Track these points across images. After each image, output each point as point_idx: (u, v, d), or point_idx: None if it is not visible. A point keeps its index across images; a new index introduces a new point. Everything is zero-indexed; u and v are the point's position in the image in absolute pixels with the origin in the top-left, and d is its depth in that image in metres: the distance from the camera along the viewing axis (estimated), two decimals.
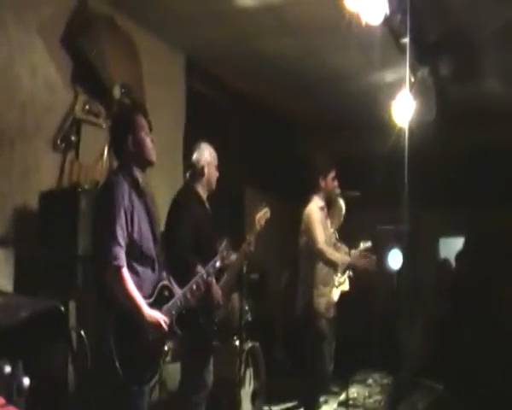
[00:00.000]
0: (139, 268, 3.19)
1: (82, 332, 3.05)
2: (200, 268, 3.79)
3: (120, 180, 3.22)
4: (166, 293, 3.32)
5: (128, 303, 3.05)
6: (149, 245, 3.27)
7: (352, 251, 5.35)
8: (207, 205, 4.34)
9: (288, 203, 5.20)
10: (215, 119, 6.72)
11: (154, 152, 3.34)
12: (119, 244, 3.07)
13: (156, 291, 3.25)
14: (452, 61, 5.93)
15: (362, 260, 5.22)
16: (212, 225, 4.29)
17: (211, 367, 4.14)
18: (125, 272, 3.06)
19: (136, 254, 3.19)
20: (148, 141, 3.31)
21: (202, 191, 4.31)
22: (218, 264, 3.87)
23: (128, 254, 3.12)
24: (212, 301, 3.99)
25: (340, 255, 5.16)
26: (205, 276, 3.71)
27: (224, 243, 3.99)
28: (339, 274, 5.29)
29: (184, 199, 4.20)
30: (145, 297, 3.15)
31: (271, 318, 6.85)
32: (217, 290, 4.03)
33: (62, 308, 3.06)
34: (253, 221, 4.38)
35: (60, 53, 4.90)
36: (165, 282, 3.34)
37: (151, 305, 3.16)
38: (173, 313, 3.29)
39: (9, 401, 2.93)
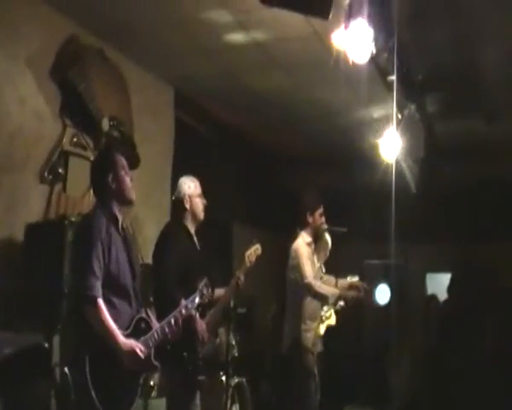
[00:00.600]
0: (116, 301, 3.22)
1: (65, 369, 3.00)
2: (183, 302, 3.73)
3: (98, 214, 3.28)
4: (143, 325, 3.33)
5: (103, 333, 3.06)
6: (126, 279, 3.31)
7: (340, 281, 5.36)
8: (196, 239, 4.30)
9: (275, 237, 5.21)
10: (203, 152, 6.72)
11: (133, 191, 3.39)
12: (95, 275, 3.10)
13: (133, 324, 3.26)
14: (438, 99, 6.00)
15: (351, 290, 5.23)
16: (200, 259, 4.25)
17: (197, 402, 4.06)
18: (101, 302, 3.09)
19: (113, 287, 3.22)
20: (127, 180, 3.36)
21: (190, 225, 4.27)
22: (196, 300, 3.82)
23: (105, 286, 3.14)
24: (195, 335, 3.93)
25: (329, 288, 5.15)
26: (183, 311, 3.65)
27: (203, 281, 3.93)
28: (325, 308, 5.28)
29: (171, 233, 4.16)
30: (121, 329, 3.15)
31: (259, 352, 6.78)
32: (201, 325, 3.96)
33: (46, 345, 3.03)
34: (243, 257, 4.33)
35: (48, 84, 4.91)
36: (143, 315, 3.35)
37: (127, 336, 3.17)
38: (150, 345, 3.28)
39: None
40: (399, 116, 5.78)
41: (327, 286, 5.17)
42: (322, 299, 5.11)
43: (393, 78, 5.33)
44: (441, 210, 7.32)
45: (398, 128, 5.76)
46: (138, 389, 3.26)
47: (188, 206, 4.23)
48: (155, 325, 3.40)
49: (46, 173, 4.83)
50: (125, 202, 3.40)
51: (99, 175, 3.40)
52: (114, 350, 3.08)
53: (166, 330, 3.43)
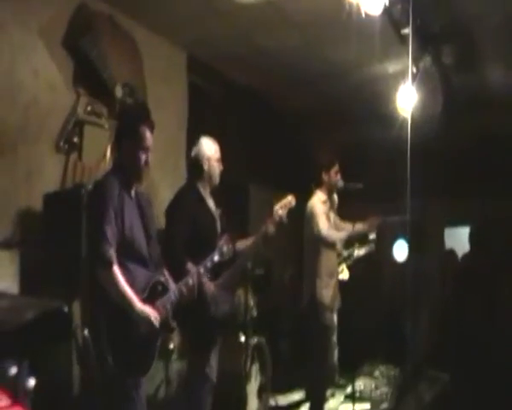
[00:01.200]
0: (131, 265, 3.28)
1: (86, 332, 3.12)
2: (190, 266, 3.80)
3: (110, 180, 3.31)
4: (160, 288, 3.39)
5: (119, 299, 3.13)
6: (141, 244, 3.36)
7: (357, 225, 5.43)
8: (211, 202, 4.32)
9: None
10: (217, 114, 6.75)
11: (145, 171, 3.41)
12: (109, 242, 3.15)
13: (149, 287, 3.32)
14: (455, 50, 5.93)
15: (366, 224, 5.30)
16: (215, 221, 4.27)
17: (212, 362, 4.16)
18: (115, 268, 3.14)
19: (128, 252, 3.27)
20: (142, 158, 3.35)
21: (203, 188, 4.29)
22: (215, 258, 3.85)
23: (119, 251, 3.20)
24: (204, 295, 3.95)
25: (343, 232, 5.26)
26: (202, 270, 3.73)
27: (223, 238, 3.98)
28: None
29: (182, 197, 4.20)
30: (138, 293, 3.22)
31: (277, 312, 6.87)
32: (209, 286, 3.99)
33: (66, 309, 3.14)
34: (272, 210, 4.29)
35: (61, 54, 4.95)
36: (159, 277, 3.41)
37: (144, 300, 3.23)
38: (168, 307, 3.36)
39: (16, 401, 3.02)
40: (415, 70, 5.74)
41: (341, 232, 5.27)
42: (334, 245, 5.20)
43: (408, 30, 5.29)
44: (459, 165, 7.27)
45: (414, 82, 5.72)
46: (155, 352, 3.31)
47: (206, 167, 4.25)
48: (172, 286, 3.47)
49: (61, 143, 4.90)
50: (135, 177, 3.40)
51: (118, 140, 3.45)
52: (131, 315, 3.15)
53: (184, 290, 3.51)
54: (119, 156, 3.45)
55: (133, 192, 3.40)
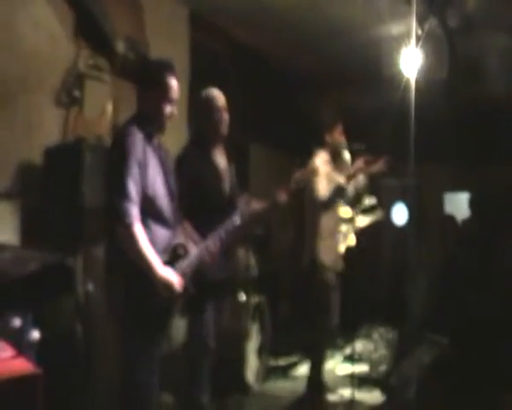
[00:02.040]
0: (153, 225, 3.15)
1: (89, 286, 3.08)
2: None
3: (134, 131, 3.14)
4: (181, 251, 3.28)
5: (140, 260, 3.00)
6: (164, 201, 3.23)
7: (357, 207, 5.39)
8: (219, 158, 4.10)
9: (292, 159, 5.20)
10: (219, 73, 6.68)
11: (168, 121, 3.29)
12: (132, 200, 3.01)
13: (170, 249, 3.22)
14: (462, 12, 5.85)
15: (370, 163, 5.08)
16: (220, 180, 4.04)
17: (209, 326, 3.97)
18: (138, 229, 3.01)
19: (150, 211, 3.14)
20: (167, 109, 3.25)
21: (210, 142, 4.08)
22: (237, 221, 3.69)
23: (142, 210, 3.06)
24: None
25: (336, 187, 5.05)
26: (223, 234, 3.58)
27: (243, 199, 3.86)
28: (344, 227, 5.32)
29: (184, 155, 3.99)
30: (158, 254, 3.10)
31: (277, 272, 6.90)
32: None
33: (69, 263, 3.10)
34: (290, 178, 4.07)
35: (62, 5, 4.86)
36: (181, 239, 3.30)
37: (165, 263, 3.13)
38: (187, 271, 3.25)
39: (20, 353, 3.00)
40: (419, 32, 5.67)
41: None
42: (338, 196, 5.06)
43: None
44: (460, 130, 7.23)
45: (418, 44, 5.65)
46: (172, 317, 3.27)
47: (216, 117, 4.04)
48: (193, 249, 3.35)
49: (62, 96, 4.84)
50: (160, 129, 3.30)
51: (149, 90, 3.27)
52: (151, 279, 3.03)
53: (205, 255, 3.41)
54: (142, 106, 3.29)
55: (155, 144, 3.26)
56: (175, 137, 4.58)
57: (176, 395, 4.29)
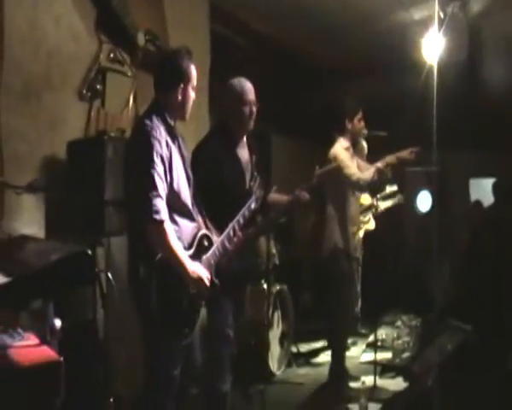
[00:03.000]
0: (178, 219, 3.19)
1: (109, 275, 3.16)
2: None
3: (155, 123, 3.15)
4: (206, 242, 3.33)
5: (169, 257, 3.03)
6: (186, 193, 3.27)
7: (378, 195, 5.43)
8: (243, 150, 4.06)
9: (313, 147, 5.25)
10: (240, 64, 6.71)
11: (189, 111, 3.33)
12: (160, 196, 3.02)
13: (196, 242, 3.25)
14: None
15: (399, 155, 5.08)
16: (242, 173, 3.98)
17: (228, 317, 3.97)
18: (168, 225, 3.03)
19: (175, 205, 3.16)
20: (192, 96, 3.31)
21: (235, 134, 4.02)
22: (253, 206, 3.71)
23: (168, 205, 3.07)
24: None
25: (371, 170, 5.08)
26: (241, 220, 3.59)
27: (256, 182, 3.84)
28: (364, 214, 5.38)
29: (203, 146, 3.97)
30: (185, 248, 3.15)
31: (299, 261, 6.96)
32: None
33: (90, 252, 3.19)
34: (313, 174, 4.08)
35: (83, 1, 4.91)
36: (205, 231, 3.34)
37: (192, 256, 3.17)
38: (212, 263, 3.31)
39: (43, 341, 3.12)
40: (442, 16, 5.65)
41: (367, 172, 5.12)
42: (374, 188, 5.22)
43: None
44: (485, 115, 7.17)
45: (441, 29, 5.64)
46: (200, 310, 3.27)
47: (246, 110, 3.96)
48: (216, 239, 3.39)
49: (84, 91, 4.90)
50: (182, 117, 3.33)
51: (170, 79, 3.27)
52: (180, 274, 3.06)
53: (226, 244, 3.44)
54: (162, 97, 3.28)
55: (175, 135, 3.27)
56: (196, 126, 4.66)
57: (199, 385, 4.35)
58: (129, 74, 5.26)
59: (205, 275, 3.16)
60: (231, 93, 4.02)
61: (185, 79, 3.27)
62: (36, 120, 4.54)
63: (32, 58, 4.52)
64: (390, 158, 5.09)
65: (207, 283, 3.16)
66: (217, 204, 3.59)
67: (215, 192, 3.66)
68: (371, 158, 5.48)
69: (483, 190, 7.13)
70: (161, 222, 2.99)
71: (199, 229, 3.32)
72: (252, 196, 3.77)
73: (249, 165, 4.06)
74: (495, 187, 6.12)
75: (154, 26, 5.44)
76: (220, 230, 3.51)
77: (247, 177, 4.02)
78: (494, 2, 5.88)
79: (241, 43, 7.03)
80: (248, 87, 4.04)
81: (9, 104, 4.29)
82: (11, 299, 3.17)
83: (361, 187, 5.18)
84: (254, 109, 4.01)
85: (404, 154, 5.08)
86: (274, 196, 4.17)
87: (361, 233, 5.46)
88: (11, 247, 3.74)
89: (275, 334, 5.63)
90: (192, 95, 3.32)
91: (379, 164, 5.09)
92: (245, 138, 4.11)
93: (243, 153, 4.06)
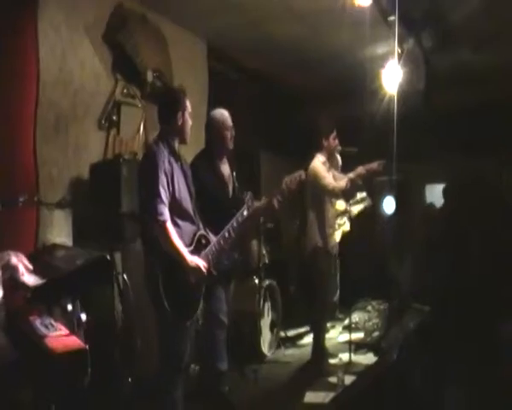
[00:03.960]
0: (180, 222, 3.30)
1: (124, 276, 3.21)
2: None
3: (161, 148, 3.30)
4: (203, 241, 3.42)
5: (172, 252, 3.15)
6: (187, 202, 3.38)
7: (350, 201, 5.48)
8: (224, 167, 4.16)
9: (296, 162, 5.30)
10: (234, 95, 6.75)
11: (189, 135, 3.46)
12: (163, 202, 3.15)
13: (195, 240, 3.35)
14: (434, 34, 5.90)
15: (368, 167, 5.09)
16: (225, 185, 4.11)
17: (221, 304, 4.01)
18: (169, 225, 3.16)
19: (177, 211, 3.29)
20: (190, 122, 3.45)
21: (217, 153, 4.12)
22: (245, 213, 3.79)
23: (170, 210, 3.20)
24: None
25: (344, 180, 5.09)
26: (235, 224, 3.68)
27: (248, 195, 3.91)
28: (339, 218, 5.43)
29: (193, 162, 3.99)
30: (186, 245, 3.25)
31: (285, 259, 6.97)
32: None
33: (108, 257, 3.25)
34: (282, 182, 4.05)
35: (102, 47, 5.02)
36: (202, 232, 3.44)
37: (191, 252, 3.26)
38: (210, 257, 3.40)
39: (71, 331, 3.19)
40: (400, 51, 5.74)
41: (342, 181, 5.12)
42: (347, 195, 5.18)
43: (394, 17, 5.32)
44: (438, 132, 7.25)
45: (400, 62, 5.73)
46: (201, 296, 3.33)
47: (219, 133, 4.08)
48: (213, 239, 3.49)
49: (103, 121, 4.98)
50: (183, 140, 3.45)
51: (170, 111, 3.41)
52: (182, 266, 3.17)
53: (222, 242, 3.53)
54: (166, 126, 3.43)
55: (177, 157, 3.40)
56: (196, 147, 4.72)
57: (199, 365, 4.38)
58: (139, 106, 5.31)
59: (202, 264, 3.26)
60: (215, 121, 4.14)
61: (181, 108, 3.40)
62: (64, 147, 4.61)
63: (62, 96, 4.60)
64: (360, 169, 5.12)
65: (204, 271, 3.25)
66: (207, 212, 3.64)
67: (205, 203, 3.69)
68: (345, 170, 5.52)
69: (436, 194, 7.19)
70: (164, 222, 3.14)
71: (198, 230, 3.42)
72: (244, 204, 3.85)
73: (230, 177, 4.19)
74: (444, 191, 6.17)
75: (160, 65, 5.48)
76: (212, 232, 3.58)
77: (230, 189, 4.15)
78: (443, 40, 5.95)
79: (233, 76, 7.07)
80: (227, 116, 4.15)
81: (43, 135, 4.37)
82: (46, 297, 3.23)
83: (336, 194, 5.18)
84: (232, 133, 4.13)
85: (373, 166, 5.11)
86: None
87: (338, 234, 5.48)
88: (45, 254, 3.80)
89: (266, 322, 5.64)
90: (189, 120, 3.44)
91: (351, 175, 5.14)
92: (226, 158, 4.23)
93: (225, 169, 4.18)
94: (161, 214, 3.13)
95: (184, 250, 3.20)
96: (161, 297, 3.11)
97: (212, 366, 3.99)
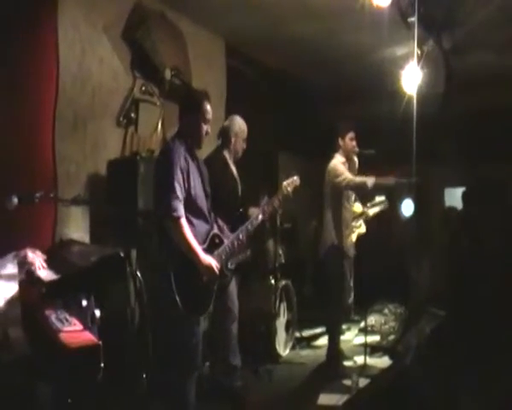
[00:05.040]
0: (194, 220, 3.28)
1: (138, 273, 3.21)
2: (219, 220, 3.63)
3: (177, 145, 3.28)
4: (217, 240, 3.42)
5: (186, 249, 3.14)
6: (202, 200, 3.37)
7: (368, 204, 5.45)
8: (233, 168, 4.36)
9: (314, 163, 5.29)
10: (252, 93, 6.77)
11: (203, 140, 3.44)
12: (178, 198, 3.13)
13: (208, 239, 3.35)
14: (454, 36, 5.85)
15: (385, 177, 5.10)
16: (237, 184, 4.31)
17: (233, 298, 4.14)
18: (184, 221, 3.15)
19: (192, 208, 3.27)
20: (204, 129, 3.40)
21: (229, 156, 4.36)
22: (260, 217, 3.80)
23: (185, 207, 3.19)
24: None
25: (366, 178, 5.06)
26: (249, 227, 3.69)
27: (265, 199, 3.96)
28: (356, 220, 5.38)
29: (208, 161, 4.05)
30: (199, 243, 3.23)
31: (302, 260, 6.94)
32: None
33: (122, 254, 3.27)
34: (280, 186, 4.17)
35: (121, 45, 5.07)
36: (216, 231, 3.44)
37: (204, 250, 3.26)
38: (223, 257, 3.40)
39: (86, 327, 3.22)
40: (419, 53, 5.69)
41: (364, 177, 5.11)
42: (362, 188, 5.08)
43: (414, 18, 5.27)
44: (458, 134, 7.18)
45: (419, 64, 5.68)
46: (213, 295, 3.32)
47: (233, 141, 4.34)
48: (226, 239, 3.49)
49: (121, 119, 5.03)
50: (197, 145, 3.44)
51: (188, 114, 3.40)
52: (195, 263, 3.17)
53: (235, 243, 3.53)
54: (183, 126, 3.44)
55: (194, 156, 3.40)
56: (208, 144, 4.72)
57: (210, 361, 4.38)
58: (157, 104, 5.34)
59: (214, 264, 3.25)
60: (239, 129, 4.38)
61: (201, 114, 3.39)
62: (82, 144, 4.67)
63: (80, 93, 4.66)
64: (379, 180, 5.08)
65: (216, 271, 3.25)
66: (218, 211, 3.65)
67: (216, 200, 3.69)
68: (362, 172, 5.49)
69: (455, 197, 7.13)
70: (178, 218, 3.12)
71: (212, 229, 3.41)
72: (260, 210, 3.89)
73: (238, 177, 4.38)
74: (463, 195, 6.12)
75: (178, 63, 5.52)
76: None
77: (239, 189, 4.34)
78: (463, 42, 5.90)
79: (251, 74, 7.07)
80: (243, 127, 4.41)
81: (62, 132, 4.43)
82: (60, 292, 3.26)
83: (351, 187, 5.11)
84: (244, 145, 4.42)
85: (388, 179, 5.10)
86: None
87: (354, 236, 5.44)
88: (61, 249, 3.83)
89: (281, 322, 5.61)
90: (206, 128, 3.42)
91: (370, 180, 5.08)
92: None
93: (234, 171, 4.38)
94: (176, 210, 3.12)
95: (198, 248, 3.20)
96: (174, 294, 3.12)
97: (224, 360, 4.00)
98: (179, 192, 3.17)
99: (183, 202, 3.19)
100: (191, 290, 3.20)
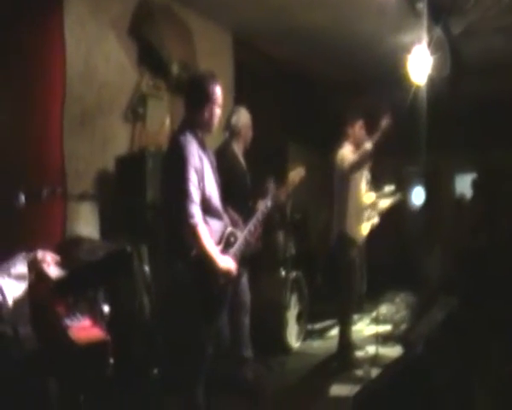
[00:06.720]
0: (209, 220, 3.15)
1: (146, 268, 3.17)
2: (232, 213, 3.58)
3: (189, 139, 3.09)
4: (232, 239, 3.29)
5: (204, 255, 3.01)
6: (216, 197, 3.23)
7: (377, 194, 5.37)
8: (242, 159, 4.39)
9: (323, 153, 5.23)
10: (259, 85, 6.71)
11: (215, 124, 3.28)
12: (194, 202, 2.99)
13: (224, 238, 3.23)
14: (462, 22, 5.75)
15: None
16: (246, 175, 4.33)
17: (243, 287, 4.12)
18: (201, 227, 2.99)
19: (207, 208, 3.13)
20: (218, 113, 3.24)
21: (238, 148, 4.38)
22: (269, 204, 3.69)
23: (201, 209, 3.06)
24: None
25: (362, 147, 4.86)
26: (260, 217, 3.58)
27: (271, 185, 3.83)
28: (369, 210, 5.31)
29: (219, 152, 4.04)
30: (215, 244, 3.13)
31: (312, 251, 6.89)
32: None
33: (129, 250, 3.24)
34: (287, 177, 4.21)
35: (127, 41, 5.04)
36: (231, 228, 3.31)
37: (220, 251, 3.15)
38: (238, 255, 3.28)
39: (95, 322, 3.21)
40: (428, 39, 5.61)
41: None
42: (365, 156, 4.86)
43: (422, 5, 5.22)
44: (467, 121, 7.07)
45: (428, 49, 5.59)
46: (228, 295, 3.24)
47: (243, 133, 4.37)
48: (240, 235, 3.36)
49: (129, 113, 5.01)
50: (208, 130, 3.26)
51: (197, 101, 3.20)
52: (212, 268, 3.04)
53: (248, 238, 3.42)
54: (193, 114, 3.22)
55: (205, 148, 3.23)
56: (221, 137, 4.72)
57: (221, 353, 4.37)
58: (165, 99, 5.31)
59: (232, 267, 3.15)
60: (248, 122, 4.40)
61: (210, 99, 3.20)
62: (90, 140, 4.66)
63: (87, 90, 4.64)
64: (374, 136, 4.85)
65: (234, 273, 3.16)
66: (232, 199, 3.60)
67: (228, 191, 3.59)
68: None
69: (467, 184, 7.01)
70: (195, 225, 2.97)
71: (226, 227, 3.30)
72: (268, 196, 3.77)
73: (247, 170, 4.39)
74: (473, 183, 6.02)
75: (185, 57, 5.48)
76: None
77: (249, 180, 4.35)
78: (471, 28, 5.79)
79: (258, 67, 6.99)
80: (248, 116, 4.42)
81: (70, 129, 4.41)
82: (68, 289, 3.25)
83: (353, 166, 4.91)
84: (250, 134, 4.43)
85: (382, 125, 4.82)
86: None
87: (366, 227, 5.37)
88: (70, 246, 3.84)
89: (292, 313, 5.58)
90: (218, 112, 3.25)
91: (368, 144, 4.85)
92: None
93: (243, 162, 4.41)
94: (193, 217, 2.97)
95: (216, 253, 3.07)
96: (188, 291, 3.08)
97: (236, 352, 3.99)
98: (195, 196, 3.01)
99: (199, 205, 3.05)
100: (208, 295, 3.13)
